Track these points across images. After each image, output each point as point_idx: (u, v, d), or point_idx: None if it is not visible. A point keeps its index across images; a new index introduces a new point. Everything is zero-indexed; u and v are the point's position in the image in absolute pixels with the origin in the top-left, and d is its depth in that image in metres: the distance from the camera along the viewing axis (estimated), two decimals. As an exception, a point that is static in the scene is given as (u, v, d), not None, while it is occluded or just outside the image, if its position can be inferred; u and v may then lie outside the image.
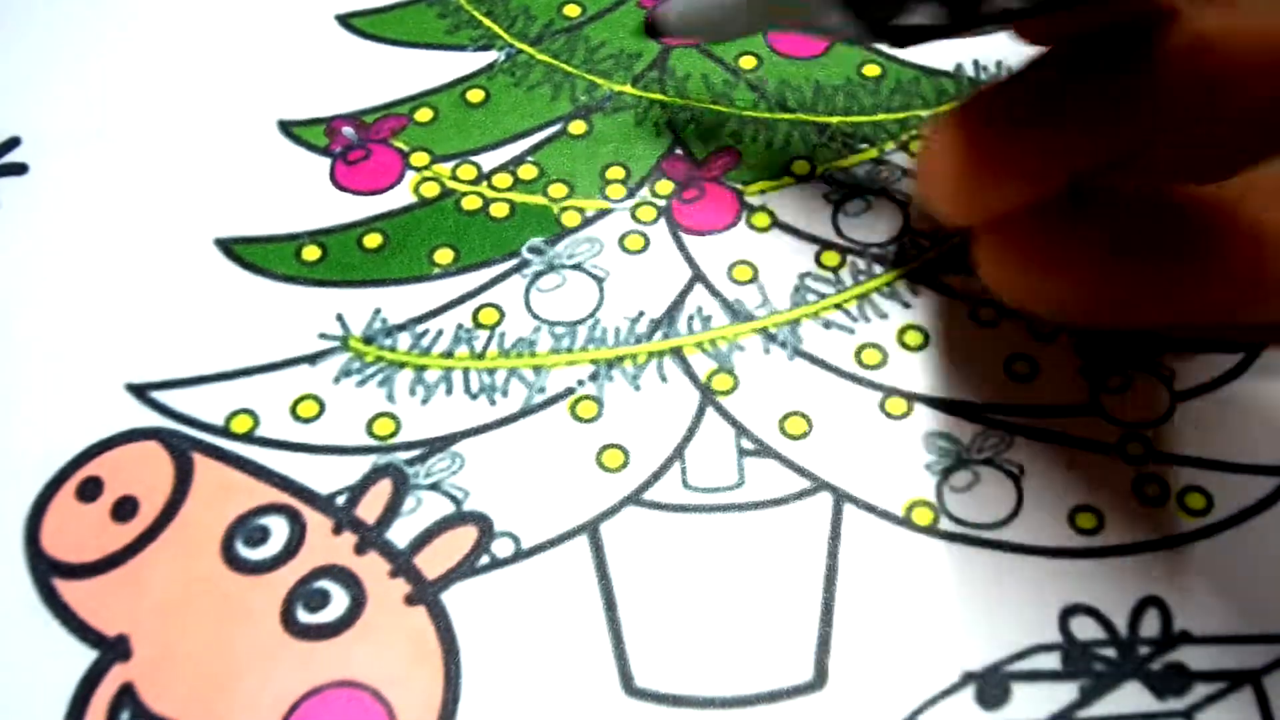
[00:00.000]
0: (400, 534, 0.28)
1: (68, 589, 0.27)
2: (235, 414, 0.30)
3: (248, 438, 0.30)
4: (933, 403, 0.30)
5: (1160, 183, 0.26)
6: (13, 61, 0.37)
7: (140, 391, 0.30)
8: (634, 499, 0.29)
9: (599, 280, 0.32)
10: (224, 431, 0.30)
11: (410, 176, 0.34)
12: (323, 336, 0.31)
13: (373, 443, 0.30)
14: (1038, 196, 0.25)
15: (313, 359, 0.31)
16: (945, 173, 0.26)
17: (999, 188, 0.25)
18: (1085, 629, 0.27)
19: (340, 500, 0.29)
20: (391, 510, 0.28)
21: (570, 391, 0.30)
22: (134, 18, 0.38)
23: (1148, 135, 0.25)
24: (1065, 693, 0.26)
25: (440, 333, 0.31)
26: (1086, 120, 0.25)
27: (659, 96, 0.36)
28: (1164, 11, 0.23)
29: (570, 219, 0.33)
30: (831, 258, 0.33)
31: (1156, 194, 0.26)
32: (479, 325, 0.31)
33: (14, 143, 0.35)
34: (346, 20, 0.38)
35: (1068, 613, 0.27)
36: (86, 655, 0.27)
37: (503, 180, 0.34)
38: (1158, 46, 0.24)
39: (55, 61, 0.37)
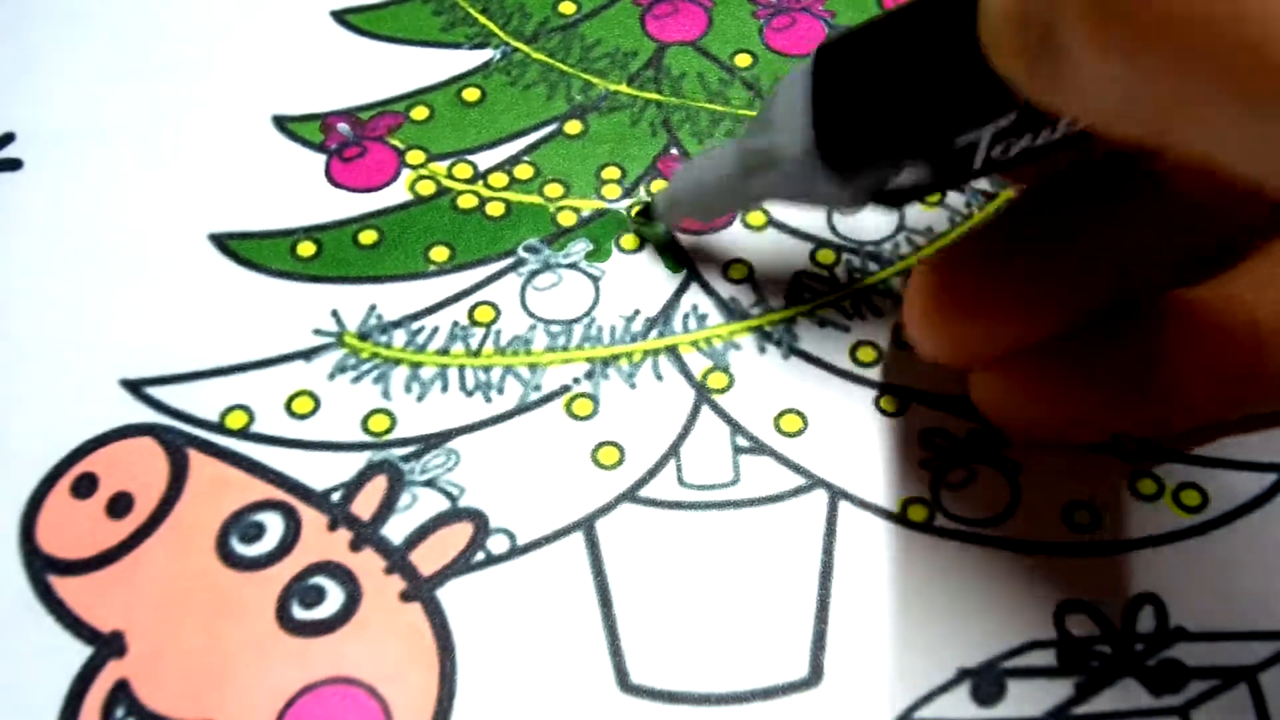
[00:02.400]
0: (395, 530, 0.28)
1: (63, 585, 0.27)
2: (230, 410, 0.30)
3: (243, 434, 0.29)
4: (928, 400, 0.30)
5: (1147, 292, 0.26)
6: (6, 57, 0.37)
7: (135, 387, 0.30)
8: (629, 496, 0.29)
9: (595, 279, 0.32)
10: (219, 428, 0.30)
11: (406, 174, 0.34)
12: (318, 333, 0.31)
13: (368, 439, 0.29)
14: (1032, 339, 0.26)
15: (308, 355, 0.31)
16: (932, 318, 0.26)
17: (989, 333, 0.26)
18: (1081, 625, 0.27)
19: (335, 496, 0.29)
20: (387, 506, 0.28)
21: (566, 389, 0.30)
22: (128, 13, 0.38)
23: (1142, 265, 0.25)
24: (1061, 689, 0.26)
25: (436, 330, 0.31)
26: (1078, 260, 0.25)
27: (655, 96, 0.36)
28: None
29: (566, 218, 0.33)
30: (827, 255, 0.33)
31: (1149, 310, 0.26)
32: (475, 323, 0.31)
33: (8, 138, 0.35)
34: (341, 16, 0.38)
35: (1063, 609, 0.27)
36: (81, 651, 0.27)
37: (499, 179, 0.34)
38: (1144, 172, 0.25)
39: (49, 57, 0.37)
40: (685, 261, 0.32)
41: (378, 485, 0.29)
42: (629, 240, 0.33)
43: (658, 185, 0.34)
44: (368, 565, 0.28)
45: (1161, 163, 0.24)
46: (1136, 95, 0.16)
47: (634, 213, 0.32)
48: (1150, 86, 0.16)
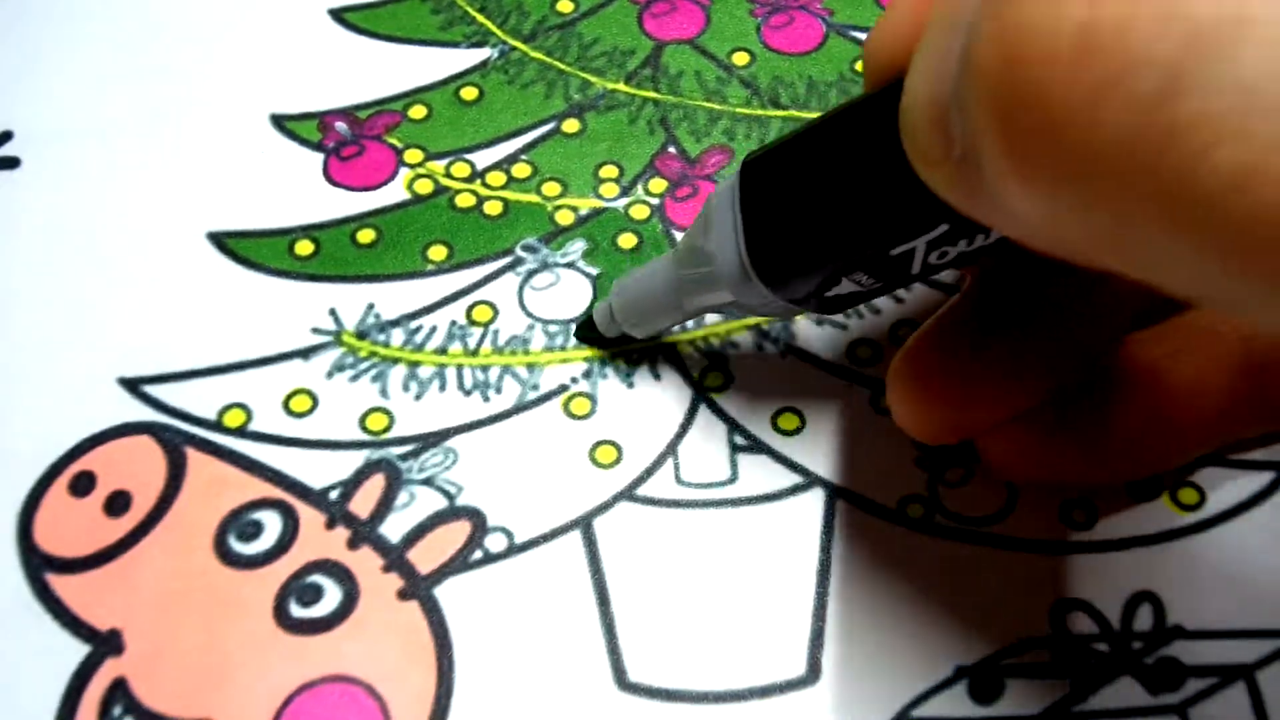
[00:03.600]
0: (393, 529, 0.28)
1: (61, 584, 0.27)
2: (228, 408, 0.30)
3: (240, 432, 0.30)
4: (926, 398, 0.30)
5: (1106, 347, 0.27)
6: (5, 56, 0.37)
7: (133, 386, 0.30)
8: (627, 495, 0.29)
9: (592, 278, 0.32)
10: (217, 426, 0.30)
11: (404, 173, 0.34)
12: (316, 331, 0.31)
13: (366, 438, 0.29)
14: (1015, 412, 0.26)
15: (306, 354, 0.31)
16: (916, 408, 0.26)
17: (972, 416, 0.26)
18: (1078, 623, 0.27)
19: (333, 495, 0.29)
20: (385, 505, 0.28)
21: (564, 388, 0.30)
22: (126, 12, 0.38)
23: (1105, 325, 0.26)
24: (1058, 687, 0.26)
25: (434, 329, 0.31)
26: (1048, 334, 0.26)
27: (652, 94, 0.36)
28: None
29: (564, 217, 0.33)
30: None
31: (1109, 375, 0.27)
32: (472, 322, 0.31)
33: (6, 137, 0.35)
34: (339, 15, 0.38)
35: (1061, 607, 0.27)
36: (79, 650, 0.27)
37: (496, 178, 0.34)
38: None
39: (47, 56, 0.37)
40: (639, 358, 0.31)
41: (376, 484, 0.29)
42: (627, 239, 0.33)
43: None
44: (365, 563, 0.28)
45: None
46: (1062, 223, 0.16)
47: (575, 329, 0.32)
48: (1076, 216, 0.15)
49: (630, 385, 0.30)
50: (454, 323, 0.31)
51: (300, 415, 0.30)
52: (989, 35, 0.15)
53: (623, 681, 0.26)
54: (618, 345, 0.31)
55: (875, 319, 0.31)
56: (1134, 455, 0.27)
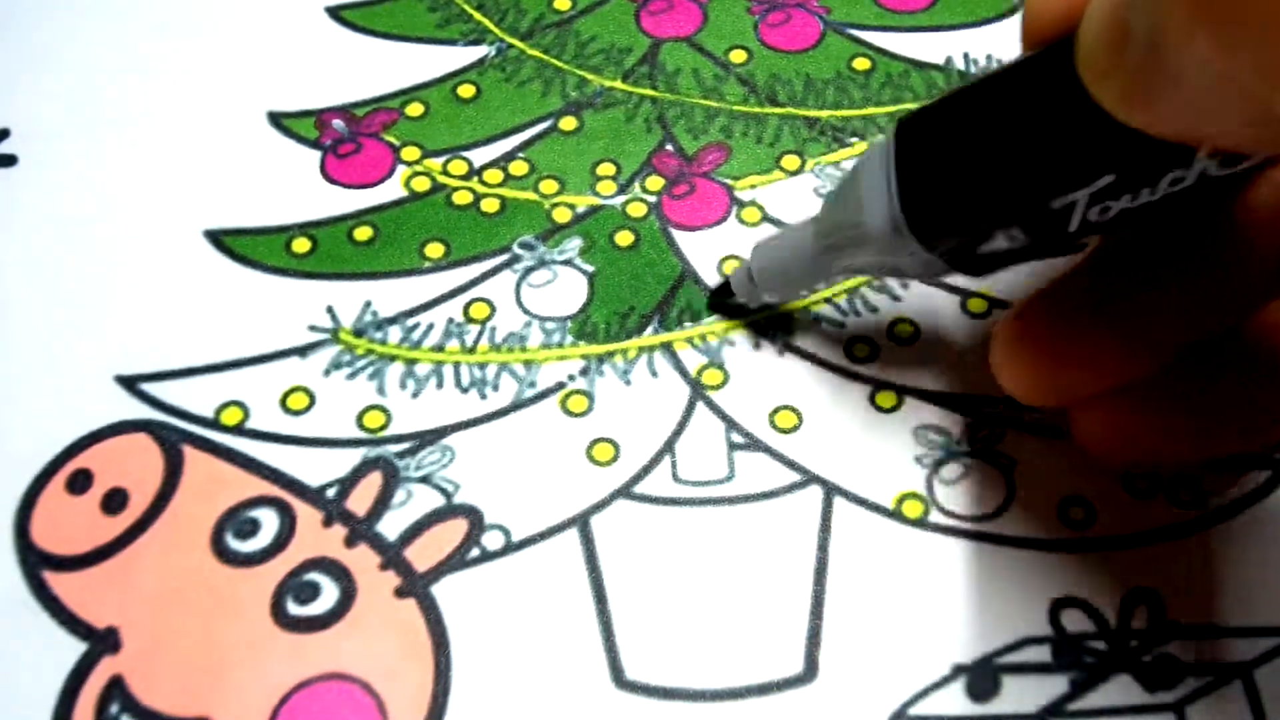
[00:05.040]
0: (390, 526, 0.28)
1: (57, 581, 0.27)
2: (225, 406, 0.30)
3: (238, 430, 0.29)
4: (923, 395, 0.30)
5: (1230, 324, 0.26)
6: (1, 53, 0.37)
7: (130, 383, 0.30)
8: (624, 492, 0.29)
9: (589, 276, 0.32)
10: (214, 424, 0.30)
11: (401, 171, 0.34)
12: (313, 329, 0.31)
13: (363, 435, 0.29)
14: (1122, 381, 0.26)
15: (303, 351, 0.31)
16: (1022, 365, 0.26)
17: (1079, 378, 0.26)
18: (1076, 621, 0.27)
19: (330, 493, 0.29)
20: (382, 503, 0.28)
21: (561, 386, 0.30)
22: (123, 10, 0.38)
23: (1226, 301, 0.25)
24: (1055, 685, 0.26)
25: (431, 326, 0.31)
26: (1163, 306, 0.25)
27: (649, 92, 0.36)
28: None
29: (561, 215, 0.33)
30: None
31: (1237, 338, 0.26)
32: (470, 320, 0.31)
33: (3, 134, 0.35)
34: (337, 13, 0.38)
35: (1058, 605, 0.27)
36: (76, 647, 0.27)
37: (494, 176, 0.34)
38: (1223, 213, 0.25)
39: (44, 54, 0.37)
40: (774, 331, 0.32)
41: (372, 481, 0.29)
42: (624, 237, 0.33)
43: (729, 266, 0.33)
44: (362, 561, 0.28)
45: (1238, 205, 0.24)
46: (1245, 90, 0.16)
47: (709, 298, 0.32)
48: (1257, 67, 0.16)
49: (628, 383, 0.30)
50: (451, 320, 0.31)
51: (297, 413, 0.30)
52: None
53: (620, 679, 0.26)
54: (747, 315, 0.31)
55: (873, 317, 0.31)
56: (1246, 422, 0.27)
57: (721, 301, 0.31)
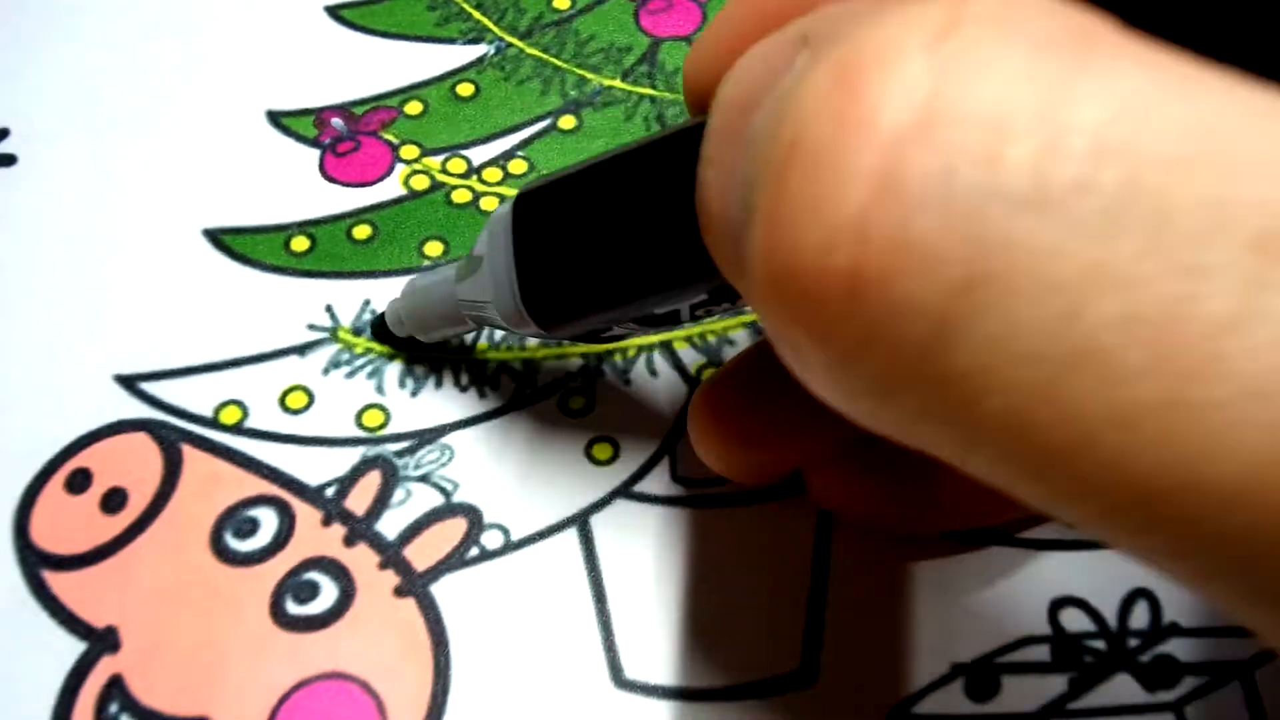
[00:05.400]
0: (390, 526, 0.28)
1: (57, 580, 0.27)
2: (224, 405, 0.30)
3: (237, 429, 0.29)
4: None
5: None
6: (1, 53, 0.37)
7: (129, 383, 0.30)
8: (623, 491, 0.29)
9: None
10: (213, 423, 0.30)
11: (400, 169, 0.34)
12: (312, 328, 0.31)
13: (362, 434, 0.29)
14: (809, 458, 0.27)
15: (302, 350, 0.31)
16: (712, 445, 0.26)
17: (765, 458, 0.27)
18: (1075, 621, 0.27)
19: (329, 492, 0.29)
20: (381, 502, 0.28)
21: (560, 385, 0.30)
22: (122, 8, 0.38)
23: None
24: (1055, 685, 0.26)
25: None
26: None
27: (649, 91, 0.36)
28: None
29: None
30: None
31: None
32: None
33: (2, 134, 0.35)
34: (335, 11, 0.38)
35: (1057, 604, 0.27)
36: (75, 647, 0.27)
37: (493, 174, 0.34)
38: None
39: (44, 53, 0.36)
40: (426, 361, 0.31)
41: (372, 481, 0.29)
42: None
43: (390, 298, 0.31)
44: (361, 561, 0.28)
45: None
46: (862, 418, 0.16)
47: (371, 325, 0.31)
48: (873, 421, 0.15)
49: (627, 382, 0.30)
50: (450, 319, 0.31)
51: (296, 412, 0.30)
52: (761, 262, 0.15)
53: (619, 679, 0.26)
54: (412, 348, 0.31)
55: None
56: (958, 507, 0.27)
57: (381, 333, 0.31)
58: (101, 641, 0.27)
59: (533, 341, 0.31)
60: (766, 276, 0.15)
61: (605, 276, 0.23)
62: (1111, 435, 0.12)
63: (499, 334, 0.31)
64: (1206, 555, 0.13)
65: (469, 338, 0.31)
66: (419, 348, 0.31)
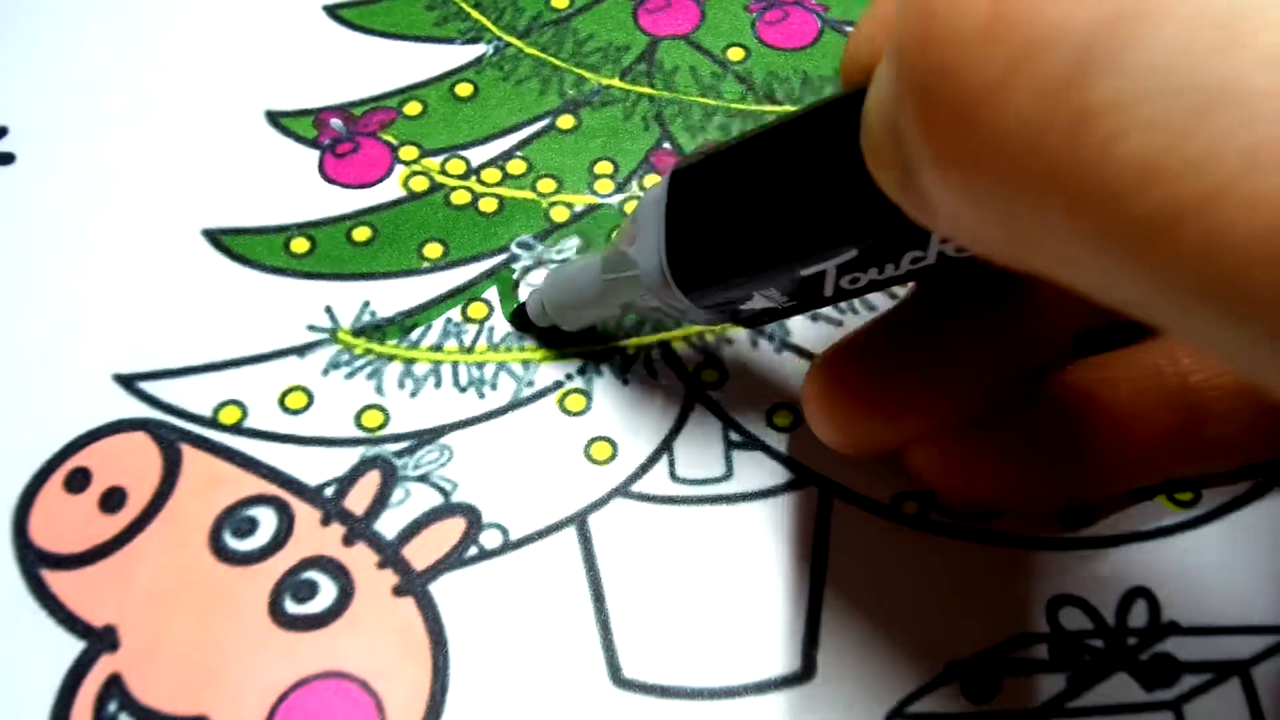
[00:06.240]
0: (389, 525, 0.28)
1: (55, 580, 0.27)
2: (223, 405, 0.30)
3: (236, 429, 0.29)
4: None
5: (1044, 370, 0.27)
6: (0, 51, 0.37)
7: (128, 382, 0.30)
8: (622, 491, 0.29)
9: (587, 274, 0.32)
10: (212, 422, 0.30)
11: (399, 170, 0.34)
12: (311, 329, 0.31)
13: (361, 434, 0.29)
14: (931, 429, 0.26)
15: (301, 351, 0.31)
16: (831, 416, 0.26)
17: (887, 428, 0.26)
18: (1073, 620, 0.27)
19: (329, 491, 0.29)
20: (380, 501, 0.28)
21: (559, 385, 0.30)
22: (121, 7, 0.38)
23: (1034, 349, 0.26)
24: (1053, 684, 0.26)
25: (429, 326, 0.31)
26: (967, 355, 0.26)
27: (647, 90, 0.36)
28: None
29: (559, 214, 0.33)
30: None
31: (1059, 386, 0.27)
32: (468, 319, 0.31)
33: (2, 132, 0.35)
34: (334, 11, 0.38)
35: (1056, 603, 0.27)
36: (74, 646, 0.27)
37: (491, 175, 0.34)
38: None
39: (43, 51, 0.37)
40: (564, 346, 0.31)
41: (371, 480, 0.29)
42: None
43: (536, 280, 0.32)
44: (360, 560, 0.28)
45: None
46: (982, 218, 0.15)
47: (510, 315, 0.32)
48: (993, 209, 0.15)
49: (625, 382, 0.30)
50: (449, 320, 0.31)
51: (296, 412, 0.30)
52: (907, 14, 0.15)
53: (618, 678, 0.26)
54: (553, 338, 0.31)
55: (870, 315, 0.31)
56: (1059, 482, 0.27)
57: (528, 322, 0.31)
58: (100, 640, 0.27)
59: (533, 342, 0.31)
60: (913, 21, 0.15)
61: (751, 235, 0.23)
62: (1248, 180, 0.12)
63: (499, 334, 0.31)
64: None
65: (611, 325, 0.31)
66: (560, 337, 0.31)
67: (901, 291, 0.31)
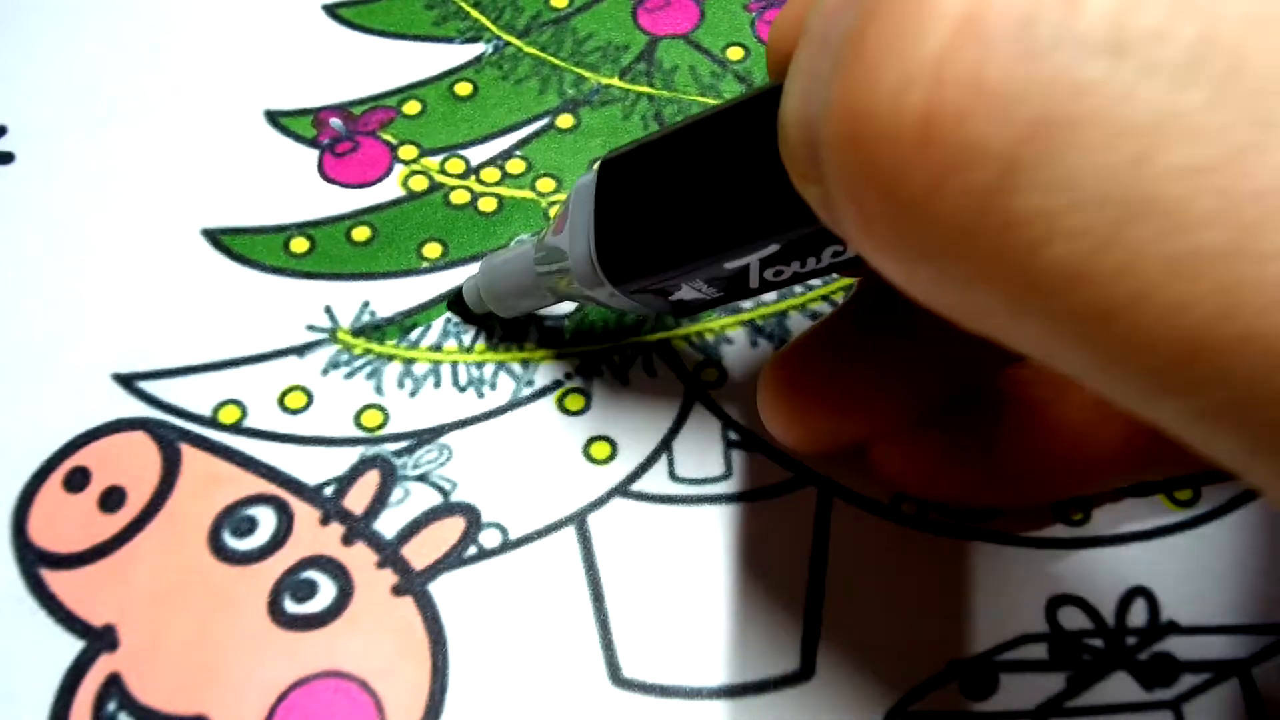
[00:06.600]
0: (388, 525, 0.28)
1: (55, 579, 0.27)
2: (223, 404, 0.30)
3: (235, 428, 0.29)
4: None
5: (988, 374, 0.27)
6: (0, 51, 0.37)
7: (127, 381, 0.30)
8: (621, 490, 0.29)
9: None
10: (211, 422, 0.30)
11: (399, 170, 0.34)
12: (311, 328, 0.31)
13: (361, 434, 0.29)
14: (879, 430, 0.26)
15: (301, 350, 0.31)
16: (781, 415, 0.27)
17: (836, 428, 0.26)
18: (1072, 619, 0.27)
19: (328, 491, 0.29)
20: (379, 501, 0.28)
21: (558, 384, 0.30)
22: (121, 7, 0.38)
23: (977, 352, 0.26)
24: (1052, 683, 0.26)
25: (429, 326, 0.31)
26: (914, 356, 0.26)
27: (647, 89, 0.36)
28: None
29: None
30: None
31: (1007, 391, 0.27)
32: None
33: (1, 131, 0.35)
34: (334, 10, 0.38)
35: (1055, 603, 0.27)
36: (73, 645, 0.27)
37: (491, 174, 0.34)
38: None
39: (43, 51, 0.37)
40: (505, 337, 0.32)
41: (370, 480, 0.29)
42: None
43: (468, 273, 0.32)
44: (360, 559, 0.28)
45: None
46: (919, 290, 0.16)
47: (447, 302, 0.32)
48: (931, 289, 0.15)
49: (624, 381, 0.30)
50: (449, 320, 0.31)
51: (295, 412, 0.30)
52: (837, 111, 0.15)
53: (617, 677, 0.26)
54: (485, 322, 0.31)
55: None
56: (1019, 485, 0.27)
57: (461, 307, 0.31)
58: (99, 640, 0.27)
59: (532, 341, 0.31)
60: (841, 121, 0.15)
61: (676, 227, 0.23)
62: (1171, 286, 0.12)
63: (498, 335, 0.31)
64: (1259, 413, 0.13)
65: (552, 310, 0.32)
66: (498, 324, 0.31)
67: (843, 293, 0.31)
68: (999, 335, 0.15)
